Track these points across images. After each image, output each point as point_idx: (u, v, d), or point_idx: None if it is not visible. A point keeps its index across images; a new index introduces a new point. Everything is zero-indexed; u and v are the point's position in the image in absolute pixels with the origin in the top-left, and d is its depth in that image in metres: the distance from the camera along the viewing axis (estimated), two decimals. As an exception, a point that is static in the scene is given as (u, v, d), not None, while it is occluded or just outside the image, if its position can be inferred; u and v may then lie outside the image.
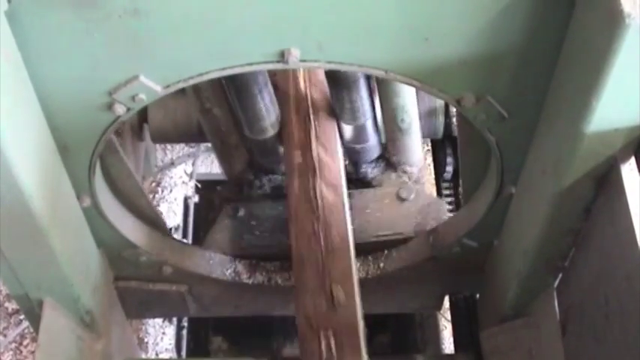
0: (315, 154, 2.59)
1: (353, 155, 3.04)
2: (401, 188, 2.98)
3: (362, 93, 2.72)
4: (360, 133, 2.91)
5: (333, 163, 2.61)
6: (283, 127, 2.83)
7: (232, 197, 3.11)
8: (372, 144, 2.99)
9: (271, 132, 2.88)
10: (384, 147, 3.07)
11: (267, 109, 2.78)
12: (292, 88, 2.79)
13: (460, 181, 2.82)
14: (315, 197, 2.52)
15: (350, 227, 2.53)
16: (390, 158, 3.07)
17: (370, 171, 3.09)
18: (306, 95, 2.74)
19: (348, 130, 2.87)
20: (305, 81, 2.79)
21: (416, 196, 2.96)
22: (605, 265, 1.89)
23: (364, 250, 2.87)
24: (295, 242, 2.52)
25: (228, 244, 2.93)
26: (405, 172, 3.07)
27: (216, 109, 2.88)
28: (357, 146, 2.97)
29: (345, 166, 2.93)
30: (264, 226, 2.96)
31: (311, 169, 2.59)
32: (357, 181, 3.12)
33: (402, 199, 2.95)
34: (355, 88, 2.68)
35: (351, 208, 2.90)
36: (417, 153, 3.08)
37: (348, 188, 2.87)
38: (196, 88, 2.81)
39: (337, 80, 2.67)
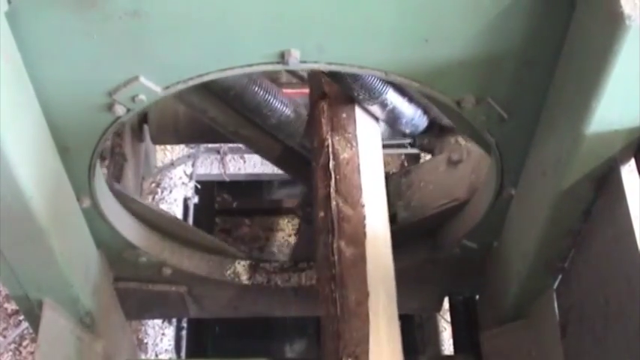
0: (334, 208, 2.43)
1: (400, 130, 2.91)
2: (452, 152, 2.87)
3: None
4: (388, 108, 2.81)
5: (354, 213, 2.43)
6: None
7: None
8: (411, 115, 2.83)
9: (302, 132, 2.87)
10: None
11: (284, 113, 2.76)
12: (317, 138, 2.67)
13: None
14: (333, 255, 2.34)
15: (378, 282, 2.35)
16: (441, 123, 2.95)
17: (427, 140, 3.00)
18: (327, 144, 2.59)
19: (376, 110, 2.79)
20: (327, 129, 2.65)
21: (467, 155, 2.84)
22: (604, 267, 1.89)
23: (425, 225, 2.83)
24: (320, 305, 2.37)
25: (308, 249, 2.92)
26: None
27: (242, 130, 2.87)
28: (397, 121, 2.83)
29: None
30: None
31: (330, 225, 2.42)
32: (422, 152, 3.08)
33: (454, 163, 2.84)
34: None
35: (410, 185, 2.86)
36: None
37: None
38: (211, 119, 2.82)
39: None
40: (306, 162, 2.93)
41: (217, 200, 5.00)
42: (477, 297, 3.05)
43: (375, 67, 1.84)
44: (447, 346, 4.13)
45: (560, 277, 2.21)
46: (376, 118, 2.74)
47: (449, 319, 3.47)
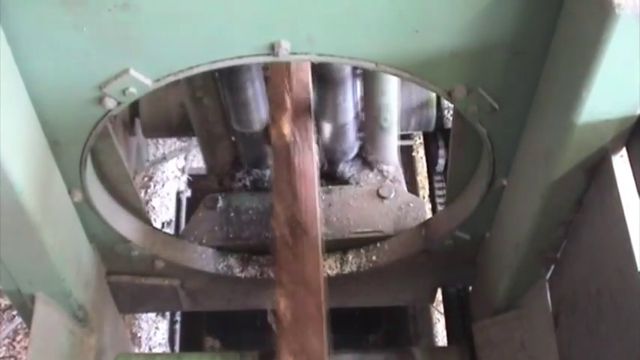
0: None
1: (330, 154, 3.06)
2: (381, 187, 3.00)
3: (347, 94, 2.73)
4: (339, 132, 2.93)
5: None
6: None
7: (213, 189, 3.12)
8: (350, 143, 3.01)
9: (258, 126, 2.90)
10: (361, 146, 3.12)
11: (257, 103, 2.79)
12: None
13: (447, 175, 2.84)
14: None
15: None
16: (366, 157, 3.13)
17: (347, 170, 3.14)
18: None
19: (327, 129, 2.88)
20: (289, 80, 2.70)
21: (395, 194, 2.98)
22: (596, 257, 1.89)
23: (344, 246, 2.89)
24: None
25: (206, 235, 2.93)
26: (380, 170, 3.13)
27: (207, 98, 2.89)
28: (336, 145, 2.99)
29: (323, 165, 2.95)
30: (242, 218, 2.97)
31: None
32: (335, 179, 3.15)
33: (382, 198, 2.97)
34: (342, 88, 2.70)
35: (330, 204, 2.93)
36: (394, 152, 3.14)
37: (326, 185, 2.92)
38: (189, 77, 2.81)
39: (325, 79, 2.67)
40: (239, 158, 3.10)
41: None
42: (470, 288, 3.06)
43: (366, 58, 1.84)
44: (441, 338, 4.15)
45: (552, 267, 2.22)
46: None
47: (442, 310, 3.48)
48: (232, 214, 2.98)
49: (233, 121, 2.91)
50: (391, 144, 3.08)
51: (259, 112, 2.84)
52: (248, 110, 2.81)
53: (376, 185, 3.02)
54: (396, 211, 2.93)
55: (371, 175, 3.12)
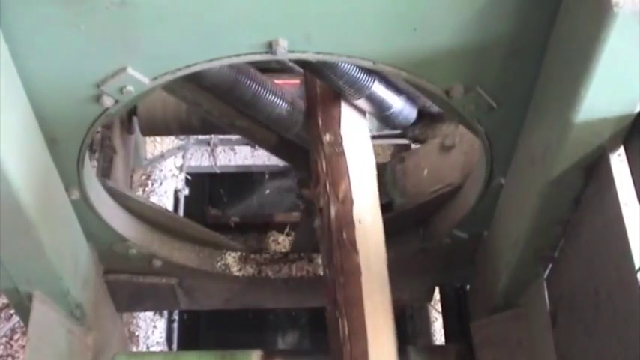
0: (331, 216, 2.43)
1: (391, 123, 2.86)
2: (445, 138, 2.84)
3: (344, 66, 2.62)
4: (376, 102, 2.71)
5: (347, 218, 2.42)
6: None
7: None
8: (400, 106, 2.77)
9: (296, 129, 2.82)
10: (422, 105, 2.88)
11: (276, 106, 2.73)
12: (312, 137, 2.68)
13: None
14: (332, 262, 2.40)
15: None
16: (431, 112, 2.90)
17: (418, 131, 2.97)
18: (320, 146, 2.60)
19: (363, 103, 2.75)
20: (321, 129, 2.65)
21: (460, 140, 2.81)
22: (594, 255, 1.89)
23: (420, 212, 2.81)
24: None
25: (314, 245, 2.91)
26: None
27: (238, 122, 2.84)
28: (385, 113, 2.77)
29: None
30: None
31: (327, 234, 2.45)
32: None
33: (447, 149, 2.82)
34: (336, 65, 2.60)
35: (405, 172, 2.85)
36: None
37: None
38: (206, 112, 2.79)
39: (314, 66, 2.61)
40: (303, 150, 2.92)
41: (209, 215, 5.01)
42: (468, 287, 3.06)
43: (363, 56, 1.84)
44: (439, 336, 4.14)
45: (550, 266, 2.21)
46: (364, 112, 2.71)
47: (440, 309, 3.48)
48: None
49: (280, 131, 2.85)
50: None
51: (284, 110, 2.78)
52: (275, 116, 2.74)
53: (441, 138, 2.87)
54: (462, 158, 2.77)
55: (444, 127, 2.91)
